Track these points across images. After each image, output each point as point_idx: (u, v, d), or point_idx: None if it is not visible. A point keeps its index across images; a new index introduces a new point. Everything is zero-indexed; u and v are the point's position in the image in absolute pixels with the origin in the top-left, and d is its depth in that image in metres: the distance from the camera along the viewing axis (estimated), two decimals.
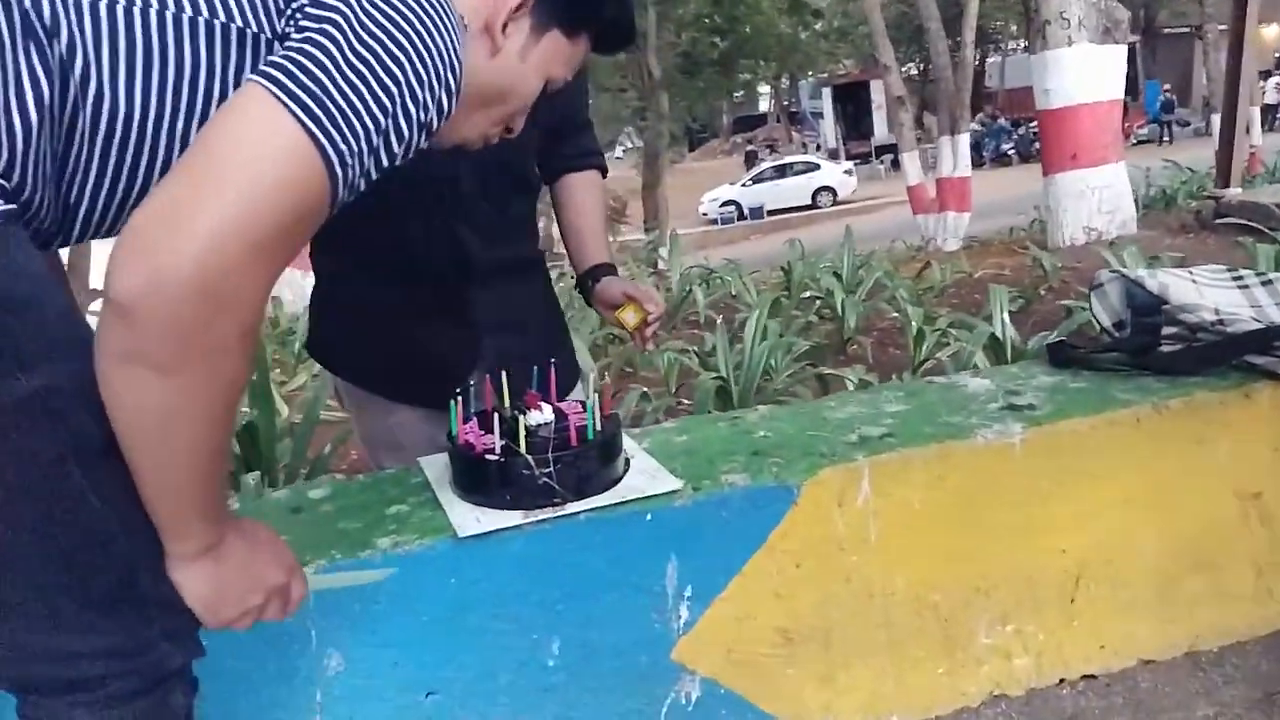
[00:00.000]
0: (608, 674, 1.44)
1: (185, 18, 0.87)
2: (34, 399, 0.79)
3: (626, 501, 1.40)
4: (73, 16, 0.83)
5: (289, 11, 0.90)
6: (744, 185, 27.63)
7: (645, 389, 3.92)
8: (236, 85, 0.90)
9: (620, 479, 1.46)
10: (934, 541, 1.55)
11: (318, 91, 0.79)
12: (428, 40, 0.87)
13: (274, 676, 1.33)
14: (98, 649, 0.90)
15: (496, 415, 1.45)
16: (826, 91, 35.03)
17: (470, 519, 1.37)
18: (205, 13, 0.88)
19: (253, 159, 0.76)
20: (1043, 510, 1.59)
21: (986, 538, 1.57)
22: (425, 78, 0.86)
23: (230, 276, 0.74)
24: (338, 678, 1.34)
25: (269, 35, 0.90)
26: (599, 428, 1.43)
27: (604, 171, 1.88)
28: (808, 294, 5.47)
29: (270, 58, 0.83)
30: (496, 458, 1.38)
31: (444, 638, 1.38)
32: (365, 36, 0.84)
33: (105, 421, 0.81)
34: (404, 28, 0.86)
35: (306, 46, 0.83)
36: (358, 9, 0.86)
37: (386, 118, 0.83)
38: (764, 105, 48.61)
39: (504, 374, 1.54)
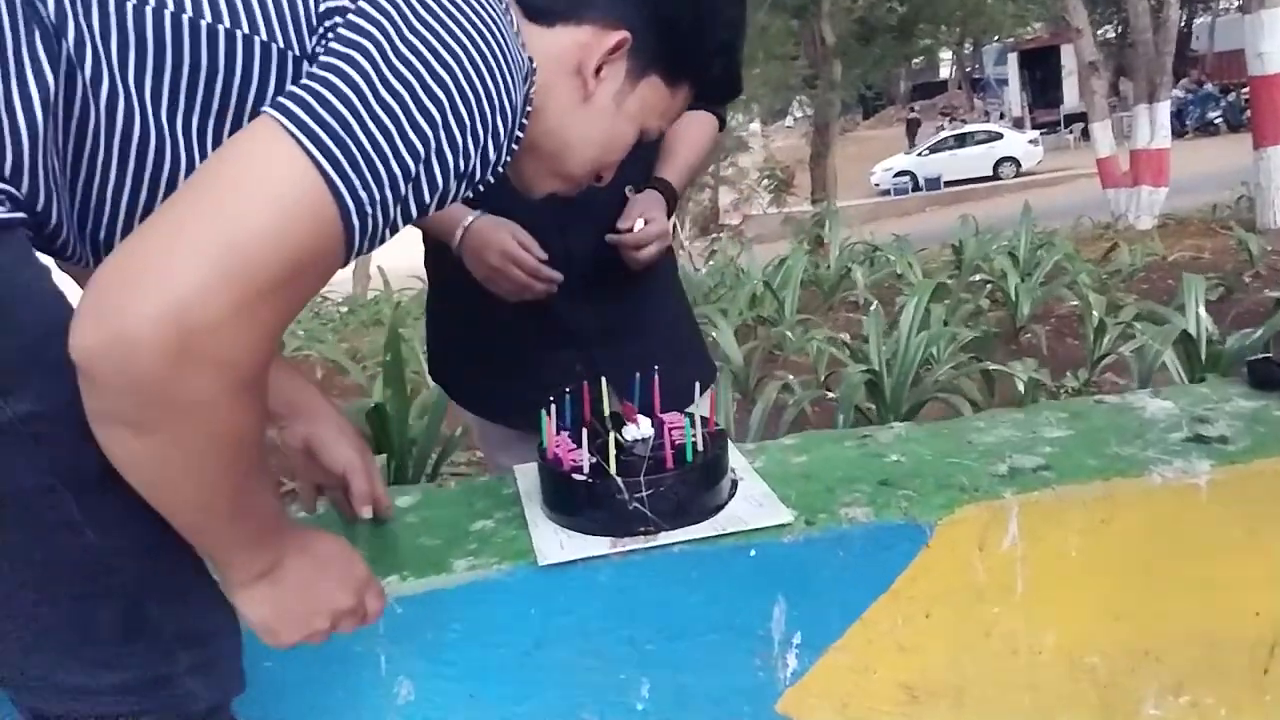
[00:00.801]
0: None
1: (204, 24, 0.79)
2: (17, 425, 0.72)
3: (728, 534, 1.24)
4: (79, 10, 0.75)
5: (320, 29, 0.81)
6: (920, 155, 26.60)
7: (791, 377, 3.72)
8: (258, 108, 0.80)
9: (724, 505, 1.30)
10: (1093, 595, 1.32)
11: (338, 129, 0.71)
12: (475, 78, 0.78)
13: (341, 703, 1.24)
14: (106, 685, 0.84)
15: (589, 429, 1.32)
16: (1012, 57, 33.21)
17: (554, 544, 1.24)
18: (226, 21, 0.80)
19: (250, 201, 0.68)
20: (1232, 565, 1.33)
21: (1159, 594, 1.33)
22: (468, 122, 0.78)
23: (212, 334, 0.66)
24: (408, 708, 1.24)
25: (296, 53, 0.82)
26: (702, 447, 1.28)
27: (721, 120, 1.73)
28: (977, 277, 5.11)
29: (291, 86, 0.75)
30: (584, 477, 1.24)
31: (523, 671, 1.25)
32: (402, 68, 0.75)
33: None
34: (448, 61, 0.77)
35: (332, 76, 0.74)
36: (397, 34, 0.76)
37: (418, 164, 0.74)
38: (945, 72, 46.72)
39: (602, 380, 1.40)
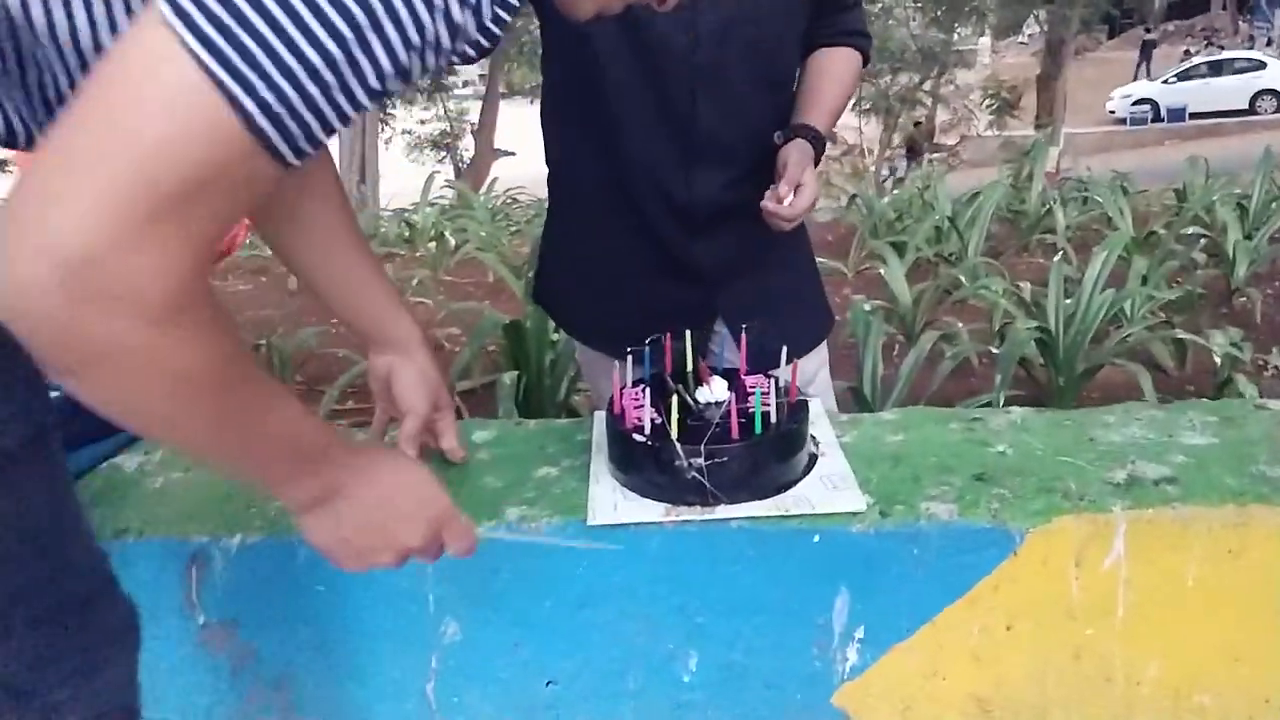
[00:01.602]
0: (754, 703, 1.23)
1: None
2: None
3: (792, 516, 1.15)
4: None
5: None
6: (1166, 82, 24.28)
7: (961, 325, 3.50)
8: None
9: (795, 482, 1.21)
10: (1210, 631, 1.16)
11: (226, 15, 0.59)
12: None
13: (390, 632, 1.25)
14: None
15: (662, 384, 1.25)
16: None
17: (608, 504, 1.19)
18: None
19: (126, 114, 0.59)
20: None
21: None
22: None
23: (98, 266, 0.58)
24: (454, 648, 1.24)
25: None
26: (775, 419, 1.18)
27: (865, 54, 1.60)
28: (1191, 230, 4.61)
29: None
30: (643, 439, 1.18)
31: (568, 627, 1.22)
32: None
33: (13, 421, 0.71)
34: None
35: None
36: None
37: (342, 46, 0.61)
38: None
39: (688, 333, 1.33)
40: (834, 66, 1.56)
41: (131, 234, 0.58)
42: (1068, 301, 3.22)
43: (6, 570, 0.82)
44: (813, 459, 1.25)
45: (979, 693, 1.20)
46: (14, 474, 0.80)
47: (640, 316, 1.51)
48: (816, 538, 1.15)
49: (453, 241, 5.92)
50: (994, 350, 3.10)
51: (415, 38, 0.64)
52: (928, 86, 15.57)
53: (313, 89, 0.61)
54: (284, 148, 0.62)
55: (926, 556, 1.15)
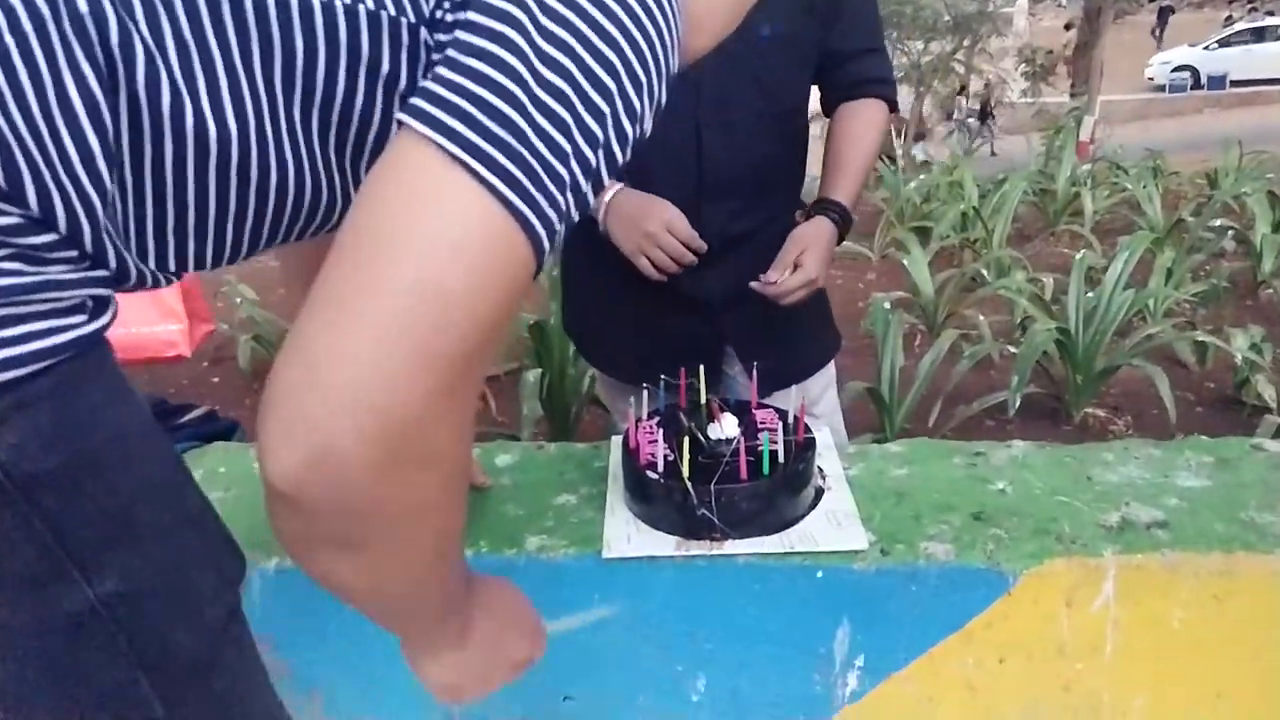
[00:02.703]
0: None
1: None
2: (99, 610, 0.62)
3: (796, 553, 1.22)
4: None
5: None
6: (1206, 48, 23.80)
7: (982, 317, 3.52)
8: (370, 83, 0.67)
9: (801, 517, 1.27)
10: (1194, 669, 1.21)
11: (507, 136, 0.54)
12: (644, 19, 0.60)
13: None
14: None
15: (673, 422, 1.31)
16: None
17: (622, 536, 1.26)
18: None
19: (432, 261, 0.52)
20: None
21: (1273, 679, 1.21)
22: (643, 79, 0.60)
23: (420, 431, 0.53)
24: None
25: (411, 20, 0.66)
26: (783, 459, 1.24)
27: (891, 103, 1.61)
28: (1218, 222, 4.59)
29: (428, 83, 0.57)
30: (656, 476, 1.24)
31: (584, 650, 1.29)
32: (559, 31, 0.57)
33: (204, 630, 0.67)
34: (611, 7, 0.59)
35: (478, 61, 0.56)
36: None
37: (596, 150, 0.58)
38: None
39: (702, 369, 1.38)
40: (855, 127, 1.57)
41: (447, 392, 0.54)
42: (1089, 296, 3.24)
43: None
44: (819, 493, 1.31)
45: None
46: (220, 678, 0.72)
47: (653, 347, 1.57)
48: (820, 574, 1.21)
49: None
50: (1011, 350, 3.13)
51: (634, 130, 0.61)
52: (962, 55, 15.33)
53: (572, 197, 0.58)
54: (547, 258, 0.58)
55: (924, 594, 1.21)
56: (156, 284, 0.74)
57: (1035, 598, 1.19)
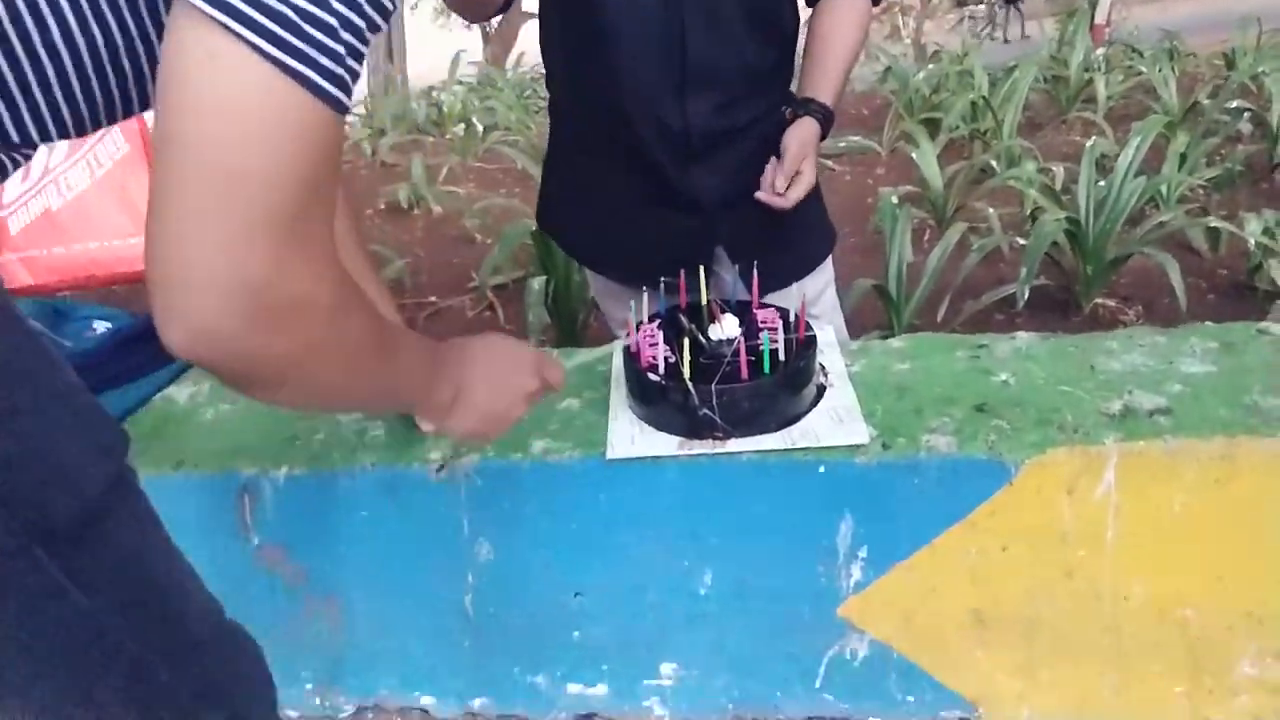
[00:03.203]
0: (763, 614, 1.33)
1: None
2: None
3: (799, 449, 1.22)
4: None
5: None
6: None
7: (992, 210, 3.47)
8: None
9: (803, 414, 1.27)
10: (1194, 553, 1.23)
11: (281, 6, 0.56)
12: None
13: (429, 553, 1.35)
14: None
15: (675, 322, 1.31)
16: None
17: (625, 438, 1.27)
18: None
19: (237, 148, 0.56)
20: None
21: (1271, 560, 1.22)
22: None
23: (274, 290, 0.60)
24: (488, 565, 1.34)
25: None
26: (784, 357, 1.24)
27: None
28: (1235, 104, 4.47)
29: None
30: (658, 378, 1.24)
31: (592, 548, 1.32)
32: None
33: (82, 495, 0.71)
34: None
35: None
36: None
37: None
38: None
39: (701, 270, 1.37)
40: (839, 26, 1.52)
41: (288, 247, 0.60)
42: (1100, 184, 3.18)
43: (130, 624, 0.78)
44: (821, 390, 1.31)
45: (976, 607, 1.29)
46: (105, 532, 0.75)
47: (641, 245, 1.55)
48: (822, 468, 1.23)
49: (480, 127, 5.90)
50: (1021, 242, 3.09)
51: None
52: None
53: (355, 39, 0.60)
54: (345, 100, 0.60)
55: (926, 486, 1.22)
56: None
57: (1037, 487, 1.20)
